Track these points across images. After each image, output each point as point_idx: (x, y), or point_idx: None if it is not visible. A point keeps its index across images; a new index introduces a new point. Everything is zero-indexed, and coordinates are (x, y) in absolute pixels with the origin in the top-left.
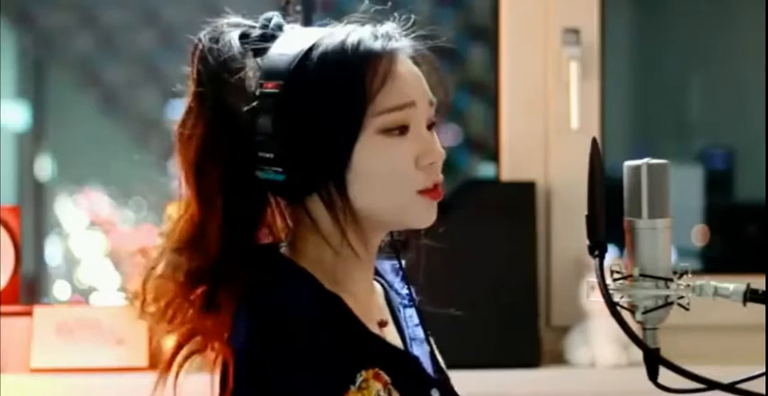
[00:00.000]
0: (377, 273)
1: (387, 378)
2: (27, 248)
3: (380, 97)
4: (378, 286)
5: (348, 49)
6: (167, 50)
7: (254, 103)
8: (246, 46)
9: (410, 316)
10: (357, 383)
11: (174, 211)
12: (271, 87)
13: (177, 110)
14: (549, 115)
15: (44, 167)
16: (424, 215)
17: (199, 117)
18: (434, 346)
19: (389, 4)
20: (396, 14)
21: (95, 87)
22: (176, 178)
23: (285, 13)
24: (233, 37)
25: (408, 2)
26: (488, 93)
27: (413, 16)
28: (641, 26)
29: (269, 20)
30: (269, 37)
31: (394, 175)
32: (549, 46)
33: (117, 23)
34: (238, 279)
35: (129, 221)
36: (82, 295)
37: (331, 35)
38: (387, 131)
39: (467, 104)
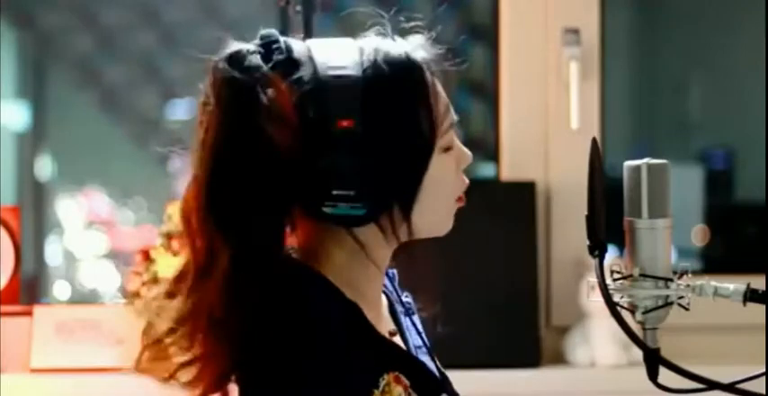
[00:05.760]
0: None
1: (406, 381)
2: (27, 248)
3: (441, 117)
4: (383, 297)
5: (408, 67)
6: (167, 50)
7: (329, 142)
8: (268, 68)
9: (411, 324)
10: (380, 387)
11: (172, 210)
12: (346, 125)
13: (178, 111)
14: (549, 115)
15: (44, 167)
16: (449, 223)
17: (232, 143)
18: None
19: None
20: (402, 18)
21: (95, 87)
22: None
23: (285, 13)
24: (254, 60)
25: (408, 2)
26: (488, 93)
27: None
28: (641, 26)
29: (272, 40)
30: (287, 60)
31: (448, 188)
32: (549, 46)
33: (117, 23)
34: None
35: (129, 221)
36: (82, 295)
37: (376, 52)
38: (447, 149)
39: (467, 104)
